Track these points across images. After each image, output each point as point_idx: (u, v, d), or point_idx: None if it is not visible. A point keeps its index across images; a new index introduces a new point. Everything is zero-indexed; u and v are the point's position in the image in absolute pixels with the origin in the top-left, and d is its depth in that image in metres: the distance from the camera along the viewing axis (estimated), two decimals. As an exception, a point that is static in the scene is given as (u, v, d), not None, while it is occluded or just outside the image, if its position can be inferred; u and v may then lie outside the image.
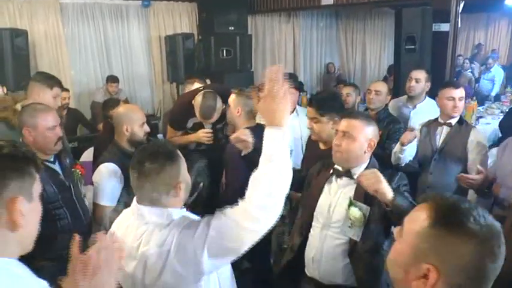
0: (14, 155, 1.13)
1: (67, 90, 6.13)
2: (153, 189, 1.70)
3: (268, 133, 1.70)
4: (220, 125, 3.91)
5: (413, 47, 5.44)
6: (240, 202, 1.61)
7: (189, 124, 3.86)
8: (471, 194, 3.16)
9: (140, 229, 1.71)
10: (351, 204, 2.24)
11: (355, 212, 2.21)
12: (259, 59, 9.31)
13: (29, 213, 1.15)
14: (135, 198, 1.78)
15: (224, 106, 3.62)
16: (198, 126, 3.82)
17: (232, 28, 7.36)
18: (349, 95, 4.47)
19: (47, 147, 2.54)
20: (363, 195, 2.20)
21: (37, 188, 1.20)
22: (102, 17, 7.44)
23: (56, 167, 2.63)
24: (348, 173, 2.32)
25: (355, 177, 2.27)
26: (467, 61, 10.17)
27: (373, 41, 11.00)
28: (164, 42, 7.83)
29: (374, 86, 4.07)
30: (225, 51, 7.18)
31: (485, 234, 1.05)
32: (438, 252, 1.07)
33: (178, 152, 1.77)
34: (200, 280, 1.66)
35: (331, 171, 2.40)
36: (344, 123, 2.34)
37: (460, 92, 3.40)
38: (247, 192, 1.62)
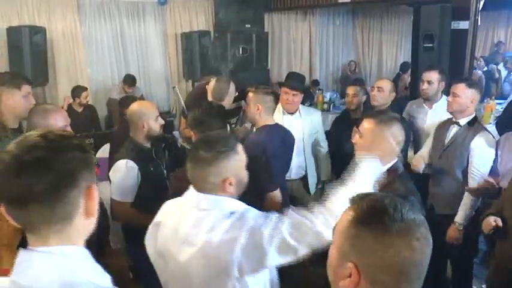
0: (82, 146, 1.14)
1: (86, 89, 6.20)
2: (203, 178, 1.74)
3: (365, 165, 1.90)
4: (234, 119, 3.91)
5: (431, 45, 5.36)
6: (319, 209, 1.70)
7: None
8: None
9: (198, 216, 1.73)
10: None
11: None
12: (275, 57, 9.29)
13: (97, 199, 1.18)
14: (191, 186, 1.82)
15: (241, 103, 3.62)
16: None
17: (249, 26, 7.35)
18: (356, 95, 4.43)
19: None
20: None
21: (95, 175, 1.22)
22: (118, 15, 7.48)
23: None
24: None
25: None
26: (481, 59, 10.01)
27: (389, 39, 10.90)
28: (180, 39, 7.85)
29: (377, 83, 4.09)
30: (241, 49, 7.18)
31: (400, 229, 1.06)
32: (358, 250, 1.09)
33: (238, 148, 1.79)
34: (256, 273, 1.70)
35: None
36: (362, 123, 2.36)
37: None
38: (330, 204, 1.71)
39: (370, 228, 1.08)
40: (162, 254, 1.83)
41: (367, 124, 2.32)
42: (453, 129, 3.40)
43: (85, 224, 1.15)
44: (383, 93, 3.94)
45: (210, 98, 3.64)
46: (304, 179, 4.09)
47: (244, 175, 1.83)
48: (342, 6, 8.60)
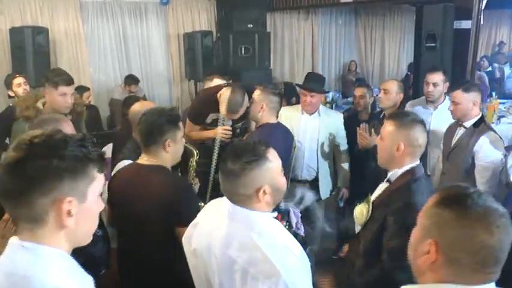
0: (71, 155, 1.13)
1: (88, 89, 6.21)
2: (234, 191, 1.68)
3: None
4: (240, 124, 3.90)
5: (433, 45, 5.36)
6: None
7: (209, 119, 3.84)
8: None
9: (229, 232, 1.69)
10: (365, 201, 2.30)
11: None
12: (277, 57, 9.28)
13: (81, 213, 1.17)
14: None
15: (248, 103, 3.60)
16: (218, 122, 3.80)
17: (251, 26, 7.33)
18: (363, 97, 4.42)
19: None
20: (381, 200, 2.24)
21: (95, 188, 1.21)
22: (121, 15, 7.49)
23: None
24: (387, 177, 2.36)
25: (385, 180, 2.33)
26: (484, 59, 9.99)
27: (392, 39, 10.88)
28: (183, 39, 7.86)
29: (383, 85, 4.07)
30: (243, 48, 7.17)
31: (481, 213, 1.15)
32: (438, 227, 1.19)
33: (268, 154, 1.71)
34: None
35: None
36: (385, 126, 2.36)
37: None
38: None
39: (452, 208, 1.17)
40: (195, 254, 1.83)
41: (388, 126, 2.30)
42: (459, 132, 3.41)
43: (62, 233, 1.16)
44: (389, 95, 3.91)
45: (222, 109, 3.57)
46: (315, 181, 4.03)
47: (281, 181, 1.75)
48: (344, 5, 8.58)
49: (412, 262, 1.28)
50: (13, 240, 1.15)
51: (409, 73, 9.39)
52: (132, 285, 2.44)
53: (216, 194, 4.07)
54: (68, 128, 2.50)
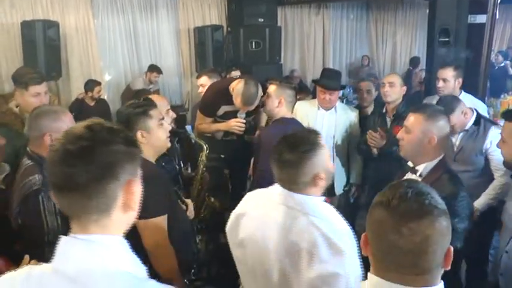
0: (127, 139, 1.16)
1: (99, 83, 6.21)
2: (294, 180, 1.75)
3: None
4: (251, 117, 3.87)
5: (447, 39, 5.26)
6: None
7: (220, 112, 3.82)
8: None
9: (283, 213, 1.75)
10: None
11: None
12: (288, 51, 9.23)
13: (138, 194, 1.19)
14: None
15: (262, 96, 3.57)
16: (230, 115, 3.78)
17: (262, 20, 7.30)
18: (369, 92, 4.35)
19: None
20: None
21: (140, 170, 1.22)
22: (131, 9, 7.48)
23: None
24: (413, 170, 2.33)
25: (418, 173, 2.29)
26: (498, 54, 9.85)
27: (404, 33, 10.77)
28: (193, 34, 7.83)
29: (387, 78, 3.95)
30: (254, 43, 7.14)
31: (398, 214, 1.16)
32: (368, 223, 1.25)
33: (320, 141, 1.81)
34: None
35: (406, 167, 2.44)
36: (409, 118, 2.35)
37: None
38: None
39: (378, 207, 1.20)
40: (244, 244, 1.85)
41: (415, 119, 2.28)
42: (459, 136, 3.32)
43: (124, 217, 1.17)
44: (395, 88, 3.82)
45: (237, 102, 3.54)
46: None
47: (330, 165, 1.87)
48: (356, -1, 8.54)
49: None
50: (66, 238, 1.11)
51: (411, 68, 9.30)
52: None
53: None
54: (67, 120, 2.37)
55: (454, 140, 3.32)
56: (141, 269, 1.17)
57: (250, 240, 1.82)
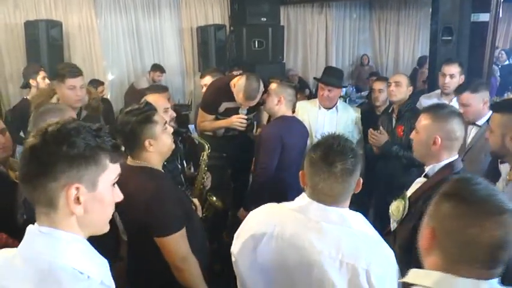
0: (81, 143, 1.17)
1: (102, 83, 6.22)
2: (342, 190, 1.63)
3: None
4: (252, 115, 3.88)
5: (450, 38, 5.25)
6: None
7: (222, 109, 3.82)
8: None
9: (326, 231, 1.60)
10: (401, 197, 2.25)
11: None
12: (291, 51, 9.24)
13: (91, 201, 1.20)
14: (307, 197, 1.69)
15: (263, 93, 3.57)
16: (231, 111, 3.78)
17: (265, 19, 7.30)
18: (382, 91, 4.34)
19: None
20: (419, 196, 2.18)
21: (107, 177, 1.23)
22: (134, 8, 7.49)
23: None
24: (424, 172, 2.31)
25: (422, 174, 2.27)
26: (503, 52, 9.81)
27: (407, 32, 10.76)
28: (196, 33, 7.84)
29: (393, 78, 3.95)
30: (256, 42, 7.14)
31: (478, 207, 1.15)
32: (437, 216, 1.23)
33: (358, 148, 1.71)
34: None
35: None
36: (419, 118, 2.32)
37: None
38: None
39: (451, 199, 1.20)
40: (267, 268, 1.68)
41: (424, 120, 2.25)
42: (472, 130, 3.29)
43: (74, 218, 1.19)
44: (401, 88, 3.81)
45: (239, 97, 3.55)
46: None
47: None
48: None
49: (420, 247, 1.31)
50: (31, 227, 1.20)
51: (417, 67, 9.27)
52: (140, 278, 2.34)
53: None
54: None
55: (467, 136, 3.27)
56: (99, 269, 1.21)
57: (282, 264, 1.64)
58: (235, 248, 1.77)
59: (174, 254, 2.12)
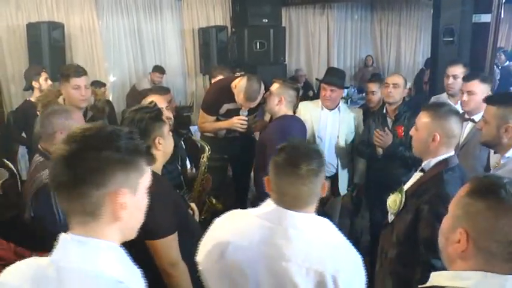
0: (123, 147, 1.13)
1: (104, 84, 6.23)
2: (307, 193, 1.60)
3: None
4: (253, 115, 3.88)
5: (451, 39, 5.25)
6: None
7: (223, 110, 3.82)
8: None
9: (293, 239, 1.56)
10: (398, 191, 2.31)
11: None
12: (292, 52, 9.25)
13: (133, 206, 1.16)
14: (272, 203, 1.65)
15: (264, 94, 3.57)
16: (232, 113, 3.79)
17: (266, 20, 7.29)
18: (376, 93, 4.33)
19: None
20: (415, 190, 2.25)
21: (145, 181, 1.20)
22: (136, 10, 7.51)
23: None
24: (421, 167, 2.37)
25: (418, 169, 2.35)
26: (502, 54, 9.79)
27: (408, 34, 10.76)
28: (197, 34, 7.86)
29: (391, 79, 3.87)
30: (258, 43, 7.13)
31: None
32: (469, 216, 1.19)
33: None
34: None
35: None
36: (419, 116, 2.37)
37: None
38: None
39: (484, 198, 1.18)
40: (234, 277, 1.63)
41: (423, 117, 2.31)
42: (468, 126, 3.29)
43: (115, 225, 1.16)
44: (399, 89, 3.78)
45: (240, 98, 3.55)
46: (334, 178, 3.99)
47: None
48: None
49: (442, 250, 1.30)
50: (65, 236, 1.14)
51: (424, 68, 9.26)
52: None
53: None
54: (80, 120, 2.50)
55: (462, 132, 3.27)
56: (135, 280, 1.18)
57: (248, 275, 1.60)
58: (200, 256, 1.73)
59: (164, 258, 2.09)
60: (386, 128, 3.66)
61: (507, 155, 2.43)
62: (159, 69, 7.22)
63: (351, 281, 1.54)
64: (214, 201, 3.42)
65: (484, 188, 1.20)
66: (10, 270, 1.18)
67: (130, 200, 1.15)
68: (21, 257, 1.75)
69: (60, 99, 3.46)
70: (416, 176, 2.35)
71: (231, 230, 1.69)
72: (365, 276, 1.59)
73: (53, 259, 1.13)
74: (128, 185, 1.14)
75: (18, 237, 2.20)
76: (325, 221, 1.66)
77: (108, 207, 1.12)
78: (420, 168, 2.34)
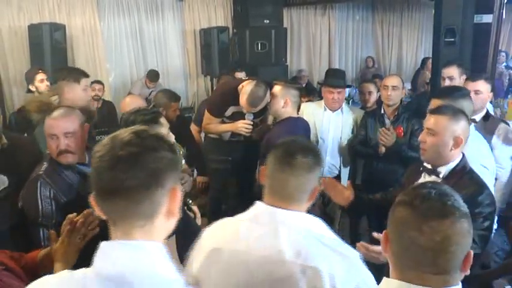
0: (171, 147, 1.16)
1: (99, 82, 6.22)
2: (297, 187, 1.58)
3: None
4: (258, 119, 3.86)
5: (453, 39, 5.23)
6: None
7: (229, 112, 3.80)
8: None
9: (283, 239, 1.53)
10: None
11: None
12: (294, 53, 9.25)
13: (179, 201, 1.18)
14: (261, 204, 1.63)
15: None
16: (238, 115, 3.77)
17: (268, 21, 7.30)
18: (372, 93, 4.31)
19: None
20: None
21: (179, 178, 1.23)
22: (137, 11, 7.53)
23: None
24: (435, 171, 2.28)
25: (440, 175, 2.24)
26: (503, 54, 9.77)
27: (410, 34, 10.76)
28: (199, 35, 7.86)
29: (390, 81, 3.82)
30: (259, 44, 7.14)
31: (420, 212, 1.18)
32: (390, 222, 1.25)
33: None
34: None
35: (421, 168, 2.37)
36: (431, 120, 2.26)
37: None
38: None
39: (400, 207, 1.22)
40: (232, 283, 1.60)
41: (440, 120, 2.21)
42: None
43: (167, 223, 1.16)
44: (398, 91, 3.77)
45: (242, 100, 3.52)
46: (337, 179, 3.90)
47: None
48: (362, 0, 8.51)
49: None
50: (106, 244, 1.10)
51: (421, 68, 9.24)
52: None
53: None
54: (82, 117, 2.50)
55: None
56: (178, 277, 1.15)
57: (244, 280, 1.58)
58: (194, 267, 1.68)
59: None
60: (390, 127, 3.65)
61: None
62: (150, 76, 7.17)
63: (350, 280, 1.50)
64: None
65: (405, 197, 1.24)
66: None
67: (180, 194, 1.17)
68: (17, 260, 1.76)
69: (55, 98, 3.38)
70: (431, 181, 2.18)
71: (224, 237, 1.67)
72: (368, 272, 1.54)
73: (95, 269, 1.08)
74: (178, 181, 1.17)
75: (19, 246, 2.20)
76: (317, 220, 1.62)
77: (167, 205, 1.14)
78: (441, 175, 2.24)
